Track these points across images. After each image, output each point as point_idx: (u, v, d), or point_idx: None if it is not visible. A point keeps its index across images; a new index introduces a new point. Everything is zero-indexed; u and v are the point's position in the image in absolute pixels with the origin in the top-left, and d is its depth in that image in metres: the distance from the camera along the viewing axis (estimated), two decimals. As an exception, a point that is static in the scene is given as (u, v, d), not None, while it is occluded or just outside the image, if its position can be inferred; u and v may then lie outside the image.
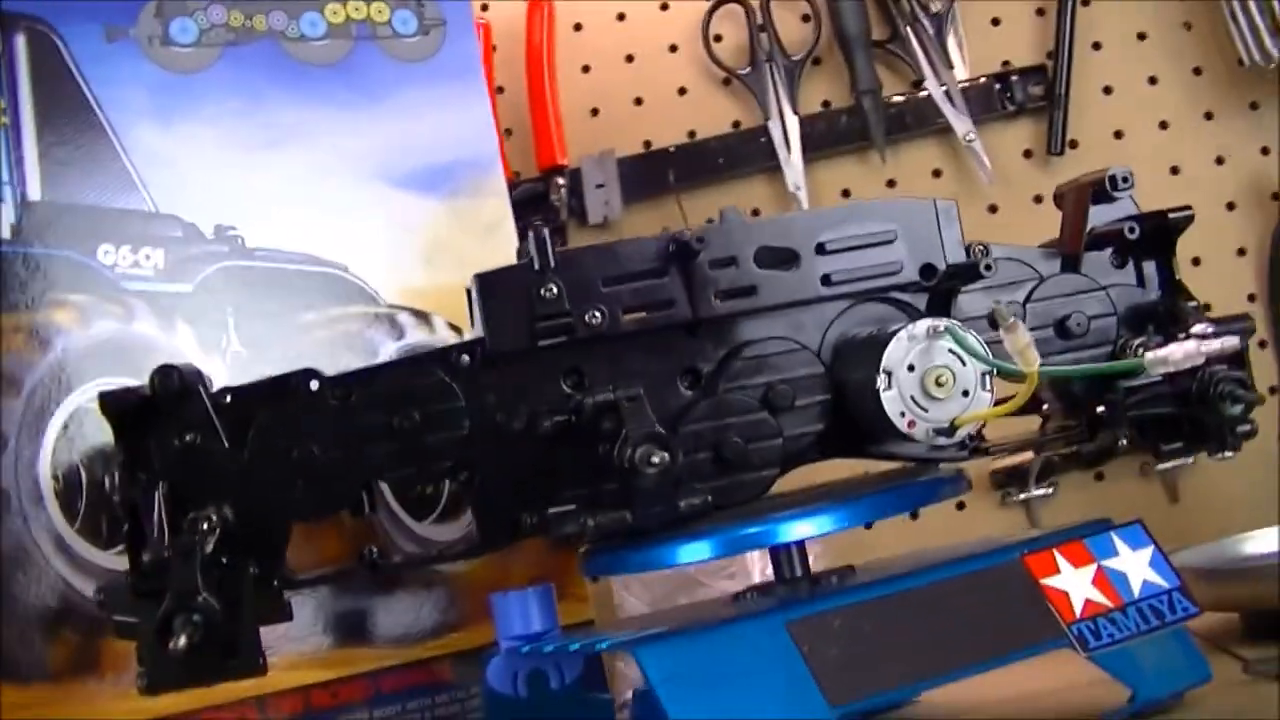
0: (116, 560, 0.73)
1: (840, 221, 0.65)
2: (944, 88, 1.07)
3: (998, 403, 0.60)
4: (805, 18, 1.11)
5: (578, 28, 1.13)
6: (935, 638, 0.59)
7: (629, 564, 0.62)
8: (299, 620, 0.69)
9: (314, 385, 0.62)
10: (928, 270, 0.66)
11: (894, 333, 0.61)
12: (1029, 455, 1.02)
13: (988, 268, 0.64)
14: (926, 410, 0.60)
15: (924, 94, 1.08)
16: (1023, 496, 1.06)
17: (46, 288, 0.74)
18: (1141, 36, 1.08)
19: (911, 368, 0.60)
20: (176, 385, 0.59)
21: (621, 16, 1.13)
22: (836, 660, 0.56)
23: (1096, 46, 1.09)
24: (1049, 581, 0.62)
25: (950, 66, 1.07)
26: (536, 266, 0.62)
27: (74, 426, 0.73)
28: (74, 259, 0.74)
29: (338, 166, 0.81)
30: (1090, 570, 0.63)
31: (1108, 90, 1.08)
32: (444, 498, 0.80)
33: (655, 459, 0.55)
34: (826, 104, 1.10)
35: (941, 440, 0.61)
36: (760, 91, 1.09)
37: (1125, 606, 0.62)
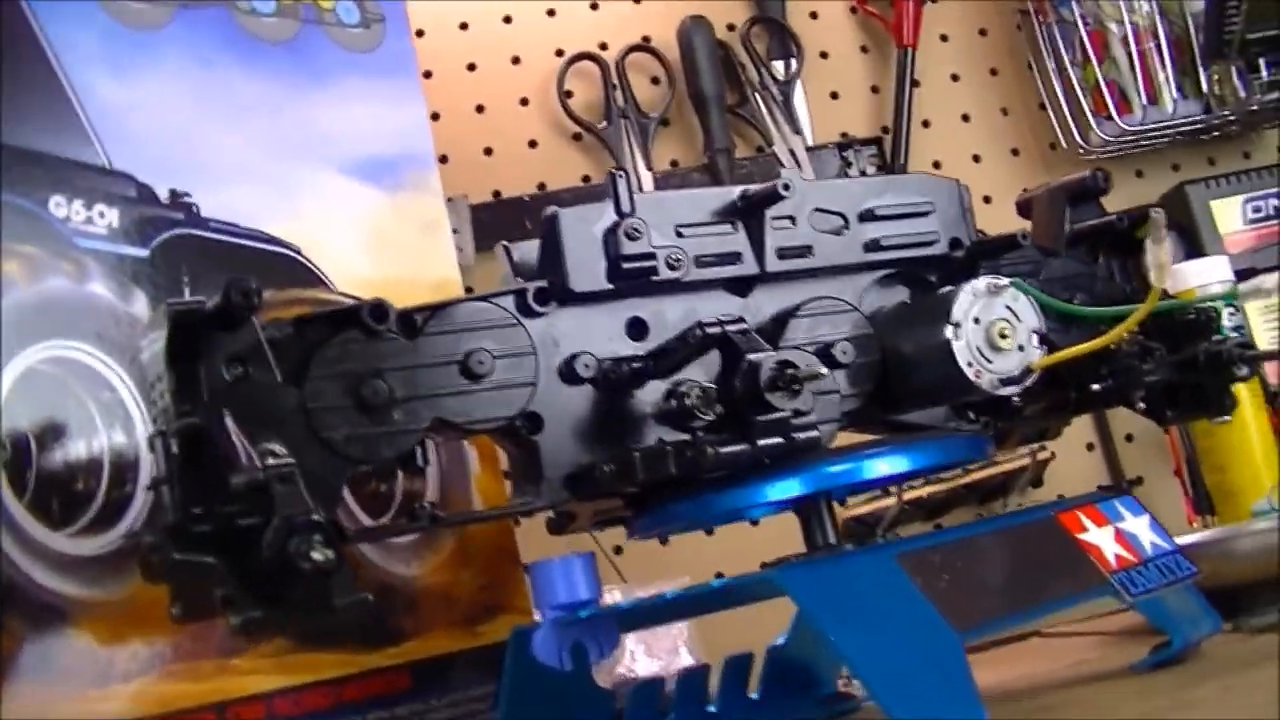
0: (70, 543, 0.64)
1: (883, 190, 0.67)
2: (791, 152, 1.12)
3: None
4: (654, 80, 1.14)
5: (428, 75, 1.11)
6: (1015, 578, 0.60)
7: (712, 509, 0.60)
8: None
9: (385, 318, 0.57)
10: (955, 243, 0.68)
11: (956, 288, 0.63)
12: (889, 502, 1.06)
13: (1024, 236, 0.67)
14: (991, 362, 0.62)
15: (770, 156, 1.12)
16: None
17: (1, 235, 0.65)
18: (965, 118, 1.18)
19: (977, 320, 0.62)
20: (254, 302, 0.54)
21: (472, 67, 1.13)
22: (947, 591, 0.57)
23: (926, 125, 1.17)
24: (1082, 537, 0.65)
25: (797, 132, 1.13)
26: (618, 206, 0.60)
27: (24, 390, 0.64)
28: (24, 207, 0.66)
29: (287, 145, 0.76)
30: (1110, 530, 0.66)
31: (937, 164, 1.16)
32: (399, 497, 0.75)
33: (802, 372, 0.54)
34: (674, 163, 1.13)
35: (1006, 390, 0.62)
36: (615, 147, 1.11)
37: (1145, 562, 0.66)
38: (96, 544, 0.65)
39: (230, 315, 0.54)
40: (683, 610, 0.67)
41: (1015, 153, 1.18)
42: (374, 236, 0.79)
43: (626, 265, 0.60)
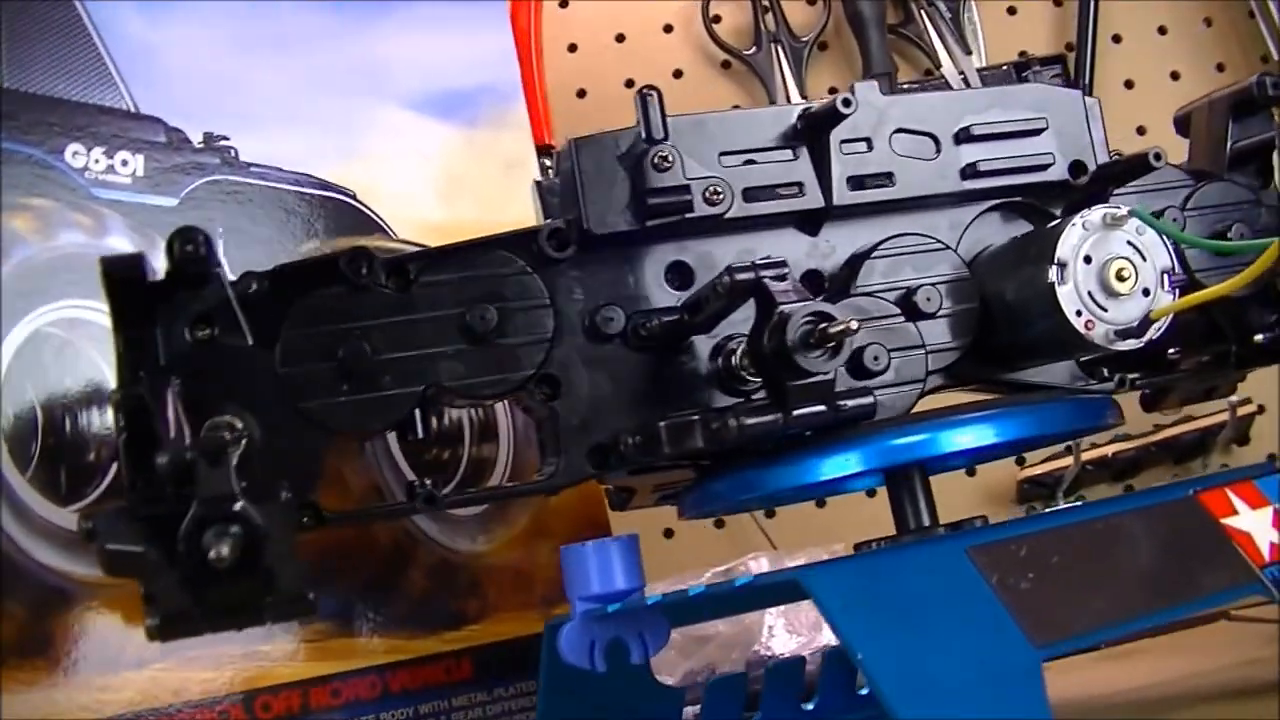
0: (78, 519, 0.59)
1: (985, 106, 0.56)
2: (961, 75, 1.00)
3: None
4: (809, 0, 1.04)
5: (563, 4, 1.04)
6: (1125, 577, 0.49)
7: (755, 486, 0.50)
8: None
9: (367, 268, 0.50)
10: (1077, 167, 0.57)
11: (1063, 221, 0.51)
12: (1066, 461, 0.94)
13: (1157, 157, 0.55)
14: (1106, 310, 0.51)
15: (939, 80, 1.01)
16: (1050, 510, 0.97)
17: (2, 188, 0.61)
18: (1162, 31, 1.04)
19: (1088, 259, 0.51)
20: (202, 254, 0.47)
21: (610, -7, 1.05)
22: (1030, 594, 0.46)
23: (1116, 39, 1.03)
24: (1230, 522, 0.53)
25: (969, 53, 1.01)
26: (647, 132, 0.51)
27: (30, 354, 0.60)
28: (37, 157, 0.61)
29: (344, 79, 0.70)
30: (1268, 513, 0.54)
31: (1129, 84, 1.02)
32: (464, 463, 0.68)
33: (834, 326, 0.44)
34: (833, 90, 1.03)
35: (1124, 345, 0.51)
36: (766, 75, 1.01)
37: (1312, 552, 0.53)
38: (107, 520, 0.59)
39: (186, 275, 0.48)
40: (710, 609, 0.58)
41: (1220, 68, 1.03)
42: (445, 178, 0.71)
43: (653, 201, 0.51)
